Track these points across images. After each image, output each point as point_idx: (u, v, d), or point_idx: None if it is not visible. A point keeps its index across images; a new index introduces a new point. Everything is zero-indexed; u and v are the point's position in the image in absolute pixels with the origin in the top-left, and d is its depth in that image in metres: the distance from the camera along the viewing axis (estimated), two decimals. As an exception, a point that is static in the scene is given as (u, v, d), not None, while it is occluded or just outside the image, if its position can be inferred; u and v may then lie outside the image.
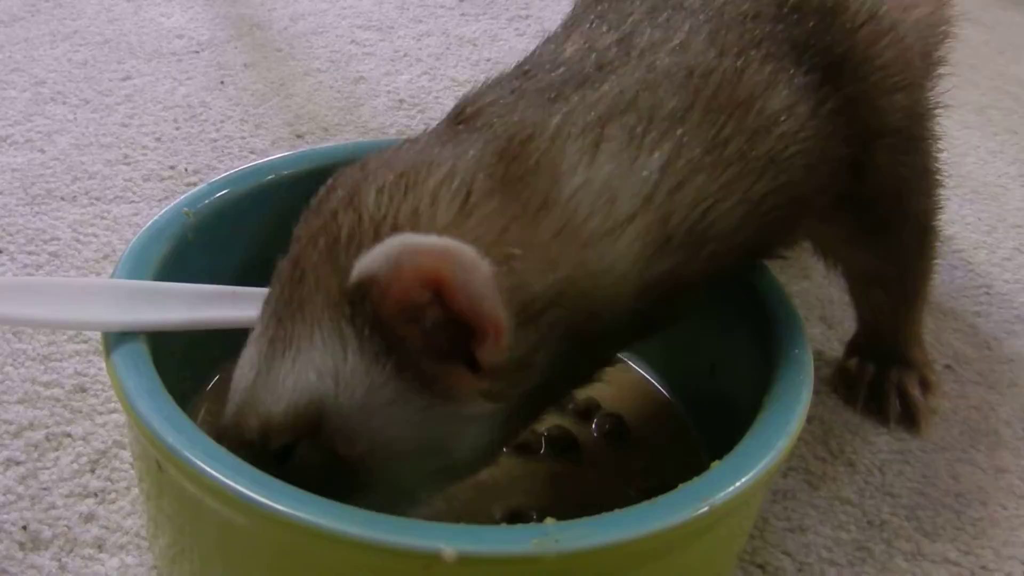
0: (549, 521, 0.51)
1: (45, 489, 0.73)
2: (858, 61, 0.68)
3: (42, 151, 1.15)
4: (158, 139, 1.20)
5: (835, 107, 0.66)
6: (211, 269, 0.70)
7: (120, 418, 0.79)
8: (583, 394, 0.76)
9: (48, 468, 0.75)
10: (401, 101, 1.35)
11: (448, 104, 1.36)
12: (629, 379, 0.83)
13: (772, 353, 0.66)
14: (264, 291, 0.60)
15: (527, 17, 1.65)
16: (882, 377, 0.89)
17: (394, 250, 0.51)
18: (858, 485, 0.81)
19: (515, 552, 0.49)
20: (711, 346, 0.77)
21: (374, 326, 0.53)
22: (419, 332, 0.53)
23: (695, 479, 0.55)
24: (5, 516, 0.70)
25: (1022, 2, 2.03)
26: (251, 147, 1.20)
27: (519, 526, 0.53)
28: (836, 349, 0.96)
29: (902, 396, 0.88)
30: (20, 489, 0.73)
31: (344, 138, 1.25)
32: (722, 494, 0.54)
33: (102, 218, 1.04)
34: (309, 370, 0.55)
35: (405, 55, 1.48)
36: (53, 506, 0.72)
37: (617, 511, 0.52)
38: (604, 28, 0.65)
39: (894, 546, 0.76)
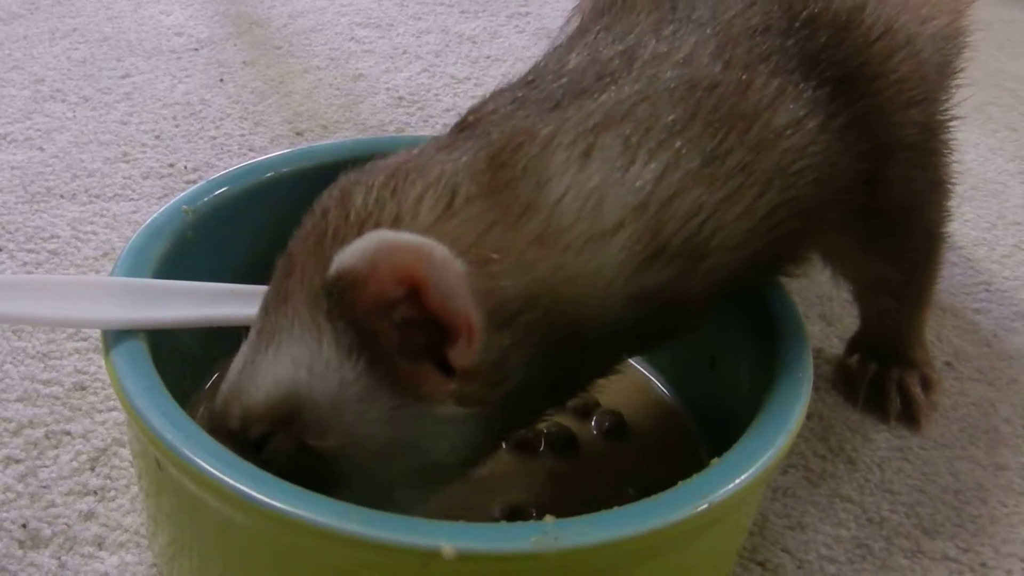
0: (548, 519, 0.51)
1: (45, 487, 0.73)
2: (872, 75, 0.67)
3: (41, 149, 1.15)
4: (157, 137, 1.20)
5: (847, 122, 0.65)
6: (210, 267, 0.70)
7: (119, 416, 0.79)
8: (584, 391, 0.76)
9: (48, 466, 0.75)
10: (400, 98, 1.35)
11: (447, 101, 1.37)
12: (629, 377, 0.82)
13: (772, 350, 0.66)
14: (263, 289, 0.60)
15: (526, 14, 1.65)
16: (883, 375, 0.89)
17: (371, 246, 0.52)
18: (858, 482, 0.81)
19: (515, 549, 0.49)
20: (711, 344, 0.77)
21: (349, 321, 0.54)
22: (393, 329, 0.54)
23: (694, 477, 0.55)
24: (5, 514, 0.70)
25: (1021, -1, 2.03)
26: (250, 144, 1.20)
27: (519, 524, 0.53)
28: (836, 346, 0.96)
29: (903, 393, 0.88)
30: (20, 487, 0.73)
31: (343, 135, 1.25)
32: (721, 492, 0.54)
33: (101, 216, 1.04)
34: (288, 362, 0.55)
35: (404, 52, 1.48)
36: (53, 504, 0.72)
37: (616, 509, 0.52)
38: (609, 40, 0.65)
39: (894, 543, 0.76)
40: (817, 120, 0.64)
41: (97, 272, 0.97)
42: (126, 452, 0.76)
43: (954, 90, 0.86)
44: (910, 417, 0.88)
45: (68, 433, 0.78)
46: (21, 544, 0.69)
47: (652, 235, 0.58)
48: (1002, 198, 1.28)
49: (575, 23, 0.84)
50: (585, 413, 0.79)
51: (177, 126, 1.22)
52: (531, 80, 0.64)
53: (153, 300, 0.64)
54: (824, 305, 1.02)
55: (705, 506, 0.53)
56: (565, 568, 0.51)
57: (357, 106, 1.32)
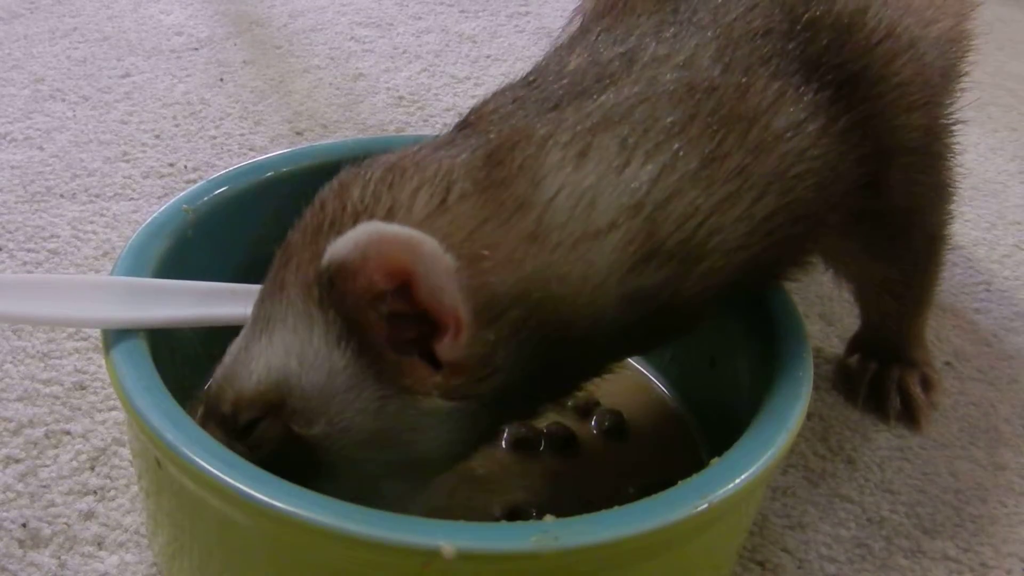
0: (548, 518, 0.51)
1: (44, 487, 0.73)
2: (874, 79, 0.67)
3: (41, 148, 1.15)
4: (157, 136, 1.20)
5: (848, 125, 0.65)
6: (210, 266, 0.70)
7: (119, 415, 0.79)
8: (582, 391, 0.76)
9: (48, 466, 0.75)
10: (400, 98, 1.35)
11: (447, 101, 1.37)
12: (628, 376, 0.83)
13: (772, 350, 0.66)
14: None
15: (526, 14, 1.65)
16: (883, 375, 0.89)
17: (362, 237, 0.52)
18: (858, 482, 0.81)
19: (515, 549, 0.49)
20: (711, 344, 0.77)
21: (340, 311, 0.55)
22: (382, 321, 0.54)
23: (694, 476, 0.55)
24: (5, 514, 0.70)
25: (1021, -1, 2.04)
26: (250, 144, 1.20)
27: (519, 523, 0.53)
28: (836, 346, 0.96)
29: (903, 393, 0.88)
30: (19, 487, 0.73)
31: (343, 135, 1.25)
32: (721, 491, 0.54)
33: (101, 215, 1.04)
34: (280, 350, 0.56)
35: (404, 52, 1.48)
36: (52, 504, 0.72)
37: (616, 508, 0.52)
38: (609, 41, 0.65)
39: (893, 543, 0.76)
40: (817, 124, 0.64)
41: (97, 272, 0.97)
42: (126, 452, 0.76)
43: (958, 94, 0.85)
44: (910, 417, 0.88)
45: (68, 433, 0.78)
46: (21, 544, 0.69)
47: (646, 236, 0.58)
48: (1002, 198, 1.28)
49: (577, 24, 0.84)
50: (585, 412, 0.79)
51: (177, 126, 1.22)
52: (532, 80, 0.64)
53: (153, 300, 0.64)
54: (824, 305, 1.02)
55: (705, 506, 0.53)
56: (565, 568, 0.51)
57: (357, 106, 1.32)
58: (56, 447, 0.76)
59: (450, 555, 0.48)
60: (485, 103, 0.64)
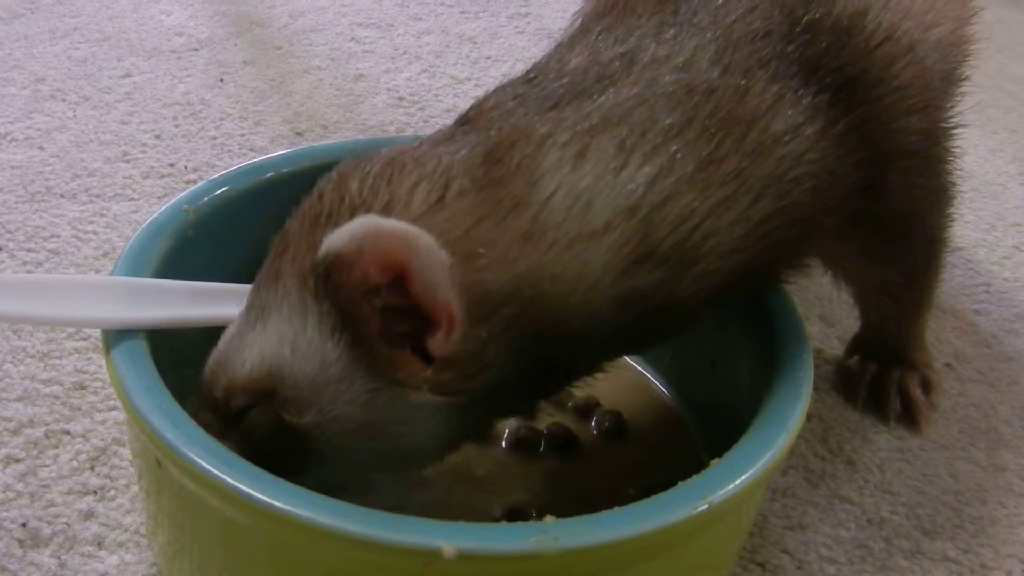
0: (549, 519, 0.51)
1: (44, 486, 0.73)
2: (873, 82, 0.67)
3: (42, 148, 1.15)
4: (158, 136, 1.20)
5: (846, 128, 0.65)
6: (211, 266, 0.70)
7: (119, 415, 0.79)
8: (582, 392, 0.76)
9: (47, 465, 0.75)
10: (401, 99, 1.35)
11: (447, 102, 1.37)
12: (628, 377, 0.83)
13: (772, 351, 0.66)
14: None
15: (527, 15, 1.65)
16: (883, 376, 0.89)
17: (359, 230, 0.53)
18: (857, 483, 0.81)
19: (515, 550, 0.49)
20: (711, 345, 0.77)
21: (334, 302, 0.55)
22: (375, 313, 0.55)
23: (694, 477, 0.55)
24: (4, 513, 0.70)
25: (1021, 0, 2.03)
26: (251, 144, 1.20)
27: (519, 524, 0.53)
28: (836, 347, 0.96)
29: (902, 395, 0.88)
30: (19, 486, 0.73)
31: (343, 136, 1.25)
32: (721, 492, 0.54)
33: (102, 215, 1.04)
34: (273, 338, 0.57)
35: (405, 53, 1.48)
36: (52, 503, 0.72)
37: (617, 509, 0.52)
38: (610, 41, 0.65)
39: (893, 544, 0.76)
40: (816, 127, 0.64)
41: (97, 272, 0.97)
42: (126, 452, 0.76)
43: (959, 97, 0.85)
44: (910, 418, 0.88)
45: (68, 432, 0.78)
46: (21, 543, 0.69)
47: (641, 238, 0.58)
48: (1002, 200, 1.28)
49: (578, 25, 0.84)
50: (585, 413, 0.79)
51: (177, 126, 1.22)
52: (533, 77, 0.65)
53: (153, 300, 0.64)
54: (824, 306, 1.02)
55: (705, 506, 0.53)
56: (565, 568, 0.51)
57: (357, 106, 1.32)
58: (56, 447, 0.76)
59: (450, 555, 0.48)
60: (485, 99, 0.64)
